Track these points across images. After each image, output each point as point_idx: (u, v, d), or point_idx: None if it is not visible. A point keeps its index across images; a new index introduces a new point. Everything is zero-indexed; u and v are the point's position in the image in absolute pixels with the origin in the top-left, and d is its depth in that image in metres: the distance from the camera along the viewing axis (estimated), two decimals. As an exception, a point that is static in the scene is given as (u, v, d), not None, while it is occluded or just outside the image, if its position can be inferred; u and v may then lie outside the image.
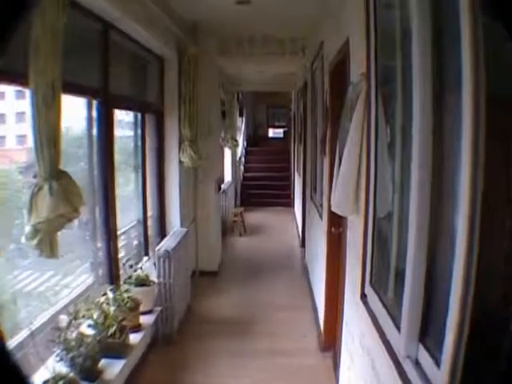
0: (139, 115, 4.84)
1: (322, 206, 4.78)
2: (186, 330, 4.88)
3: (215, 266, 6.74)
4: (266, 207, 12.67)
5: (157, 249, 4.46)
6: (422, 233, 1.62)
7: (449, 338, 1.38)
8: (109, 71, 3.88)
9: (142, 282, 4.16)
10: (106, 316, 3.45)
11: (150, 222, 5.46)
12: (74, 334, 3.11)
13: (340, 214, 2.77)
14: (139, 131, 4.82)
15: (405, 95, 1.89)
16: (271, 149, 16.21)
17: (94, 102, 3.80)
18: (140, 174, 4.86)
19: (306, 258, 7.05)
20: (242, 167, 14.25)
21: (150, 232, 5.45)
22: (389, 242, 2.10)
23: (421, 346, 1.68)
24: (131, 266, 4.17)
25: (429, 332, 1.67)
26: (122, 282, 4.15)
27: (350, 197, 2.55)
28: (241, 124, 14.18)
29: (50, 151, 2.22)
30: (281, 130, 17.80)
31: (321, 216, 4.69)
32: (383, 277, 2.23)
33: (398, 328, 1.85)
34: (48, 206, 2.18)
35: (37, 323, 3.14)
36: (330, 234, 4.04)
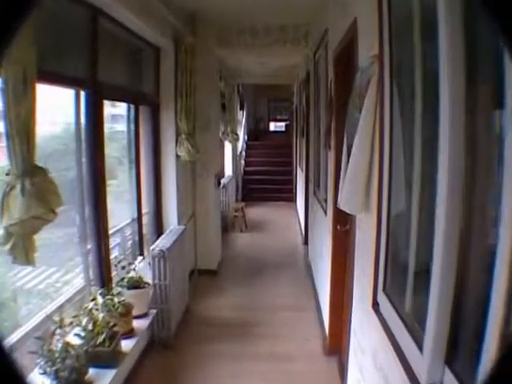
0: (132, 107, 4.58)
1: (326, 201, 4.52)
2: (184, 332, 4.64)
3: (215, 265, 6.49)
4: (268, 202, 12.43)
5: (151, 248, 4.21)
6: (452, 234, 1.37)
7: (485, 362, 1.14)
8: (98, 60, 3.62)
9: (136, 284, 3.92)
10: (95, 323, 3.22)
11: (145, 220, 5.22)
12: (59, 344, 2.88)
13: (348, 211, 2.51)
14: (132, 124, 4.56)
15: (427, 81, 1.63)
16: (273, 143, 15.93)
17: (82, 93, 3.56)
18: (134, 169, 4.60)
19: (309, 255, 6.81)
20: (242, 161, 13.99)
21: (146, 230, 5.21)
22: (406, 243, 1.85)
23: (447, 370, 1.44)
24: (124, 268, 3.93)
25: (458, 353, 1.42)
26: (114, 285, 3.92)
27: (360, 193, 2.30)
28: (241, 117, 13.91)
29: (22, 146, 1.96)
30: (282, 124, 17.52)
31: (325, 212, 4.43)
32: (399, 284, 1.97)
33: (419, 346, 1.60)
34: (20, 207, 1.94)
35: (19, 332, 2.93)
36: (335, 232, 3.79)
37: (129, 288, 3.79)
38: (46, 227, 2.10)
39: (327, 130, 4.13)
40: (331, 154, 3.95)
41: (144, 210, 5.17)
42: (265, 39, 6.17)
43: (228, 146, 10.97)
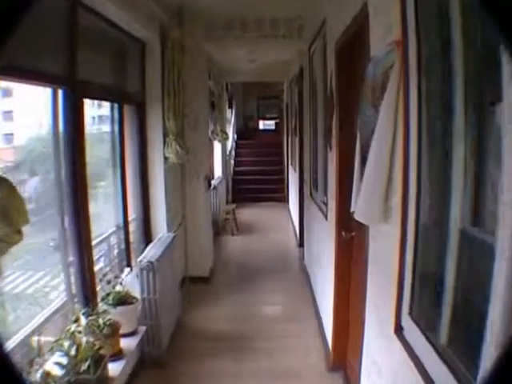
0: (117, 107, 4.24)
1: (326, 204, 4.22)
2: (176, 348, 4.32)
3: (207, 271, 6.16)
4: (259, 203, 12.11)
5: (139, 260, 3.88)
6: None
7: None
8: (77, 55, 3.28)
9: (123, 300, 3.59)
10: (79, 347, 2.89)
11: (133, 227, 4.89)
12: (38, 375, 2.55)
13: (365, 222, 2.21)
14: (117, 125, 4.22)
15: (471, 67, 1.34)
16: (262, 141, 15.59)
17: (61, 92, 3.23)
18: (119, 172, 4.26)
19: (305, 259, 6.51)
20: (232, 161, 13.65)
21: (133, 238, 4.88)
22: (442, 262, 1.56)
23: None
24: (109, 282, 3.59)
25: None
26: (99, 300, 3.59)
27: (379, 202, 1.99)
28: (230, 116, 13.57)
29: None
30: (272, 122, 17.20)
31: (325, 216, 4.13)
32: (431, 310, 1.68)
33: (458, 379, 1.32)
34: (-22, 228, 1.60)
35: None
36: (339, 239, 3.49)
37: (115, 305, 3.46)
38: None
39: (327, 128, 3.83)
40: (332, 155, 3.64)
41: (131, 217, 4.85)
42: (255, 33, 5.85)
43: (217, 146, 10.64)
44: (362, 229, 3.12)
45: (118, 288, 3.68)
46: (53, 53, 3.11)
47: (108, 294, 3.59)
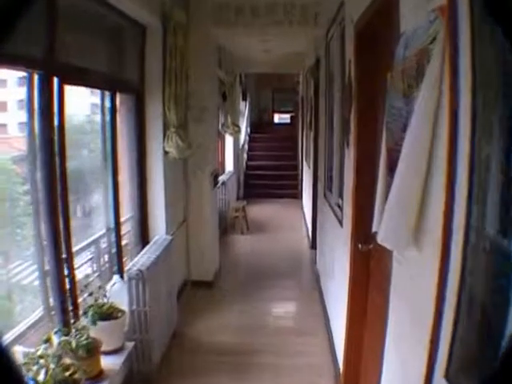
0: (108, 95, 3.81)
1: (341, 209, 3.75)
2: (170, 364, 3.90)
3: (211, 275, 5.71)
4: (272, 199, 11.64)
5: (127, 268, 3.46)
6: None
7: None
8: (56, 35, 2.83)
9: (106, 314, 3.16)
10: (48, 372, 2.47)
11: (128, 226, 4.47)
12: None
13: (390, 248, 1.74)
14: (108, 115, 3.79)
15: None
16: (277, 135, 15.07)
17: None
18: (110, 168, 3.83)
19: (317, 263, 6.03)
20: (245, 155, 13.19)
21: (128, 239, 4.46)
22: (504, 307, 1.09)
23: None
24: (91, 294, 3.17)
25: None
26: (81, 313, 3.18)
27: (410, 223, 1.52)
28: (244, 109, 13.10)
29: None
30: (287, 116, 16.68)
31: (340, 223, 3.65)
32: (481, 375, 1.21)
33: None
34: None
35: None
36: (355, 251, 3.01)
37: (95, 321, 3.02)
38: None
39: (344, 122, 3.36)
40: (350, 153, 3.17)
41: (126, 216, 4.44)
42: (267, 18, 5.37)
43: (229, 139, 10.20)
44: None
45: (102, 300, 3.25)
46: (26, 31, 2.67)
47: (90, 306, 3.17)
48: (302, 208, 10.41)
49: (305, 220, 9.17)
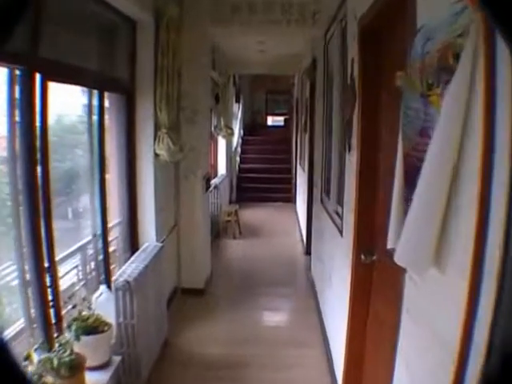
0: (96, 94, 3.59)
1: (341, 217, 3.56)
2: (160, 378, 3.69)
3: (202, 282, 5.50)
4: (265, 203, 11.44)
5: (114, 278, 3.25)
6: None
7: None
8: (40, 28, 2.64)
9: (92, 328, 2.94)
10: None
11: (117, 233, 4.27)
12: None
13: (409, 269, 1.55)
14: (96, 115, 3.57)
15: None
16: (270, 138, 14.86)
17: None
18: (97, 171, 3.62)
19: (312, 270, 5.84)
20: (238, 158, 12.98)
21: (117, 245, 4.25)
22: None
23: None
24: (75, 306, 2.96)
25: None
26: (65, 326, 2.96)
27: (433, 241, 1.33)
28: (237, 111, 12.90)
29: None
30: (281, 118, 16.48)
31: (340, 232, 3.46)
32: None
33: None
34: None
35: None
36: (357, 263, 2.82)
37: (79, 336, 2.81)
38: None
39: (346, 123, 3.17)
40: (352, 158, 2.99)
41: (115, 221, 4.23)
42: (264, 16, 5.20)
43: (222, 142, 10.00)
44: (389, 255, 2.47)
45: (87, 312, 3.04)
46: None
47: (75, 320, 2.95)
48: (295, 212, 10.23)
49: (299, 225, 8.99)
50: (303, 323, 4.73)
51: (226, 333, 4.55)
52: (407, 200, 1.50)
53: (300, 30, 5.41)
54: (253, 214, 10.12)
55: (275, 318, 4.94)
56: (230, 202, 10.53)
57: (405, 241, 1.39)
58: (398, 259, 1.43)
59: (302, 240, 7.66)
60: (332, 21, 4.21)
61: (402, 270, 1.83)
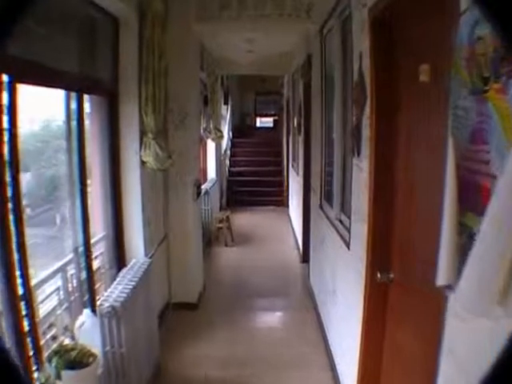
0: (75, 97, 3.24)
1: (346, 227, 3.26)
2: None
3: (195, 296, 5.15)
4: (256, 207, 11.12)
5: (98, 303, 2.90)
6: None
7: None
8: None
9: (75, 361, 2.59)
10: None
11: (102, 248, 3.92)
12: None
13: (473, 313, 1.23)
14: (75, 120, 3.22)
15: None
16: (260, 140, 14.49)
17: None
18: (77, 182, 3.27)
19: (311, 279, 5.53)
20: (227, 161, 12.63)
21: (103, 261, 3.91)
22: None
23: None
24: (54, 338, 2.61)
25: None
26: (46, 358, 2.62)
27: (503, 278, 1.02)
28: (226, 113, 12.56)
29: None
30: (270, 119, 16.17)
31: (347, 245, 3.15)
32: None
33: None
34: None
35: None
36: (371, 282, 2.51)
37: (59, 375, 2.46)
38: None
39: (354, 127, 2.86)
40: (362, 164, 2.67)
41: (99, 235, 3.89)
42: (255, 12, 4.88)
43: (211, 145, 9.65)
44: (412, 272, 2.17)
45: (70, 341, 2.69)
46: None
47: (56, 353, 2.60)
48: (288, 216, 9.91)
49: (293, 230, 8.67)
50: (304, 339, 4.40)
51: (222, 352, 4.21)
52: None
53: (293, 25, 5.10)
54: (244, 219, 9.79)
55: (274, 333, 4.61)
56: (221, 207, 10.19)
57: (468, 280, 1.07)
58: (461, 305, 1.11)
59: (298, 247, 7.34)
60: (329, 14, 3.90)
61: (439, 300, 1.52)
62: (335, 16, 3.69)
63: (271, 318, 5.04)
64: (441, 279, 1.26)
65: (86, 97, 3.51)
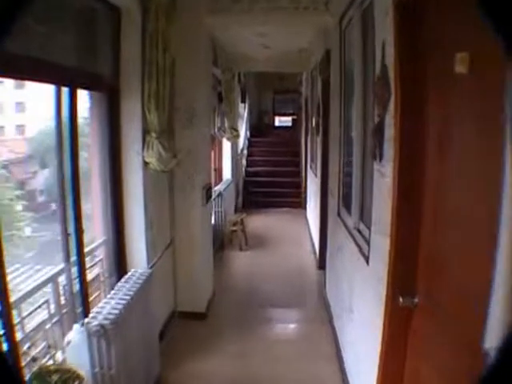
0: (68, 92, 2.96)
1: (366, 239, 2.93)
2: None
3: (203, 305, 4.85)
4: (273, 208, 10.77)
5: (86, 321, 2.61)
6: None
7: None
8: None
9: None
10: None
11: (102, 254, 3.66)
12: None
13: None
14: (67, 117, 2.94)
15: None
16: (278, 140, 14.13)
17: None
18: (70, 184, 2.99)
19: (327, 288, 5.19)
20: (244, 161, 12.32)
21: (102, 269, 3.64)
22: None
23: None
24: (35, 360, 2.34)
25: None
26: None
27: None
28: (243, 111, 12.25)
29: None
30: (289, 118, 15.81)
31: (366, 258, 2.81)
32: None
33: None
34: None
35: None
36: (393, 306, 2.18)
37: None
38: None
39: (376, 127, 2.52)
40: (385, 170, 2.34)
41: (100, 240, 3.63)
42: (269, 4, 4.56)
43: (227, 145, 9.37)
44: (442, 299, 1.84)
45: (55, 361, 2.42)
46: None
47: (36, 377, 2.33)
48: (306, 218, 9.57)
49: (310, 233, 8.32)
50: (319, 356, 4.07)
51: (231, 370, 3.89)
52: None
53: (310, 18, 4.77)
54: (260, 221, 9.47)
55: (287, 348, 4.27)
56: (236, 209, 9.88)
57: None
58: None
59: (315, 251, 7.00)
60: (349, 4, 3.57)
61: (477, 340, 1.19)
62: (356, 5, 3.35)
63: (284, 331, 4.72)
64: (487, 341, 0.94)
65: (83, 93, 3.26)
